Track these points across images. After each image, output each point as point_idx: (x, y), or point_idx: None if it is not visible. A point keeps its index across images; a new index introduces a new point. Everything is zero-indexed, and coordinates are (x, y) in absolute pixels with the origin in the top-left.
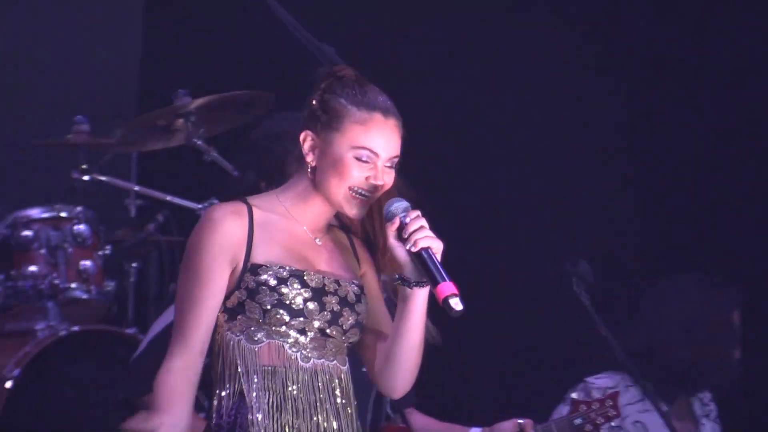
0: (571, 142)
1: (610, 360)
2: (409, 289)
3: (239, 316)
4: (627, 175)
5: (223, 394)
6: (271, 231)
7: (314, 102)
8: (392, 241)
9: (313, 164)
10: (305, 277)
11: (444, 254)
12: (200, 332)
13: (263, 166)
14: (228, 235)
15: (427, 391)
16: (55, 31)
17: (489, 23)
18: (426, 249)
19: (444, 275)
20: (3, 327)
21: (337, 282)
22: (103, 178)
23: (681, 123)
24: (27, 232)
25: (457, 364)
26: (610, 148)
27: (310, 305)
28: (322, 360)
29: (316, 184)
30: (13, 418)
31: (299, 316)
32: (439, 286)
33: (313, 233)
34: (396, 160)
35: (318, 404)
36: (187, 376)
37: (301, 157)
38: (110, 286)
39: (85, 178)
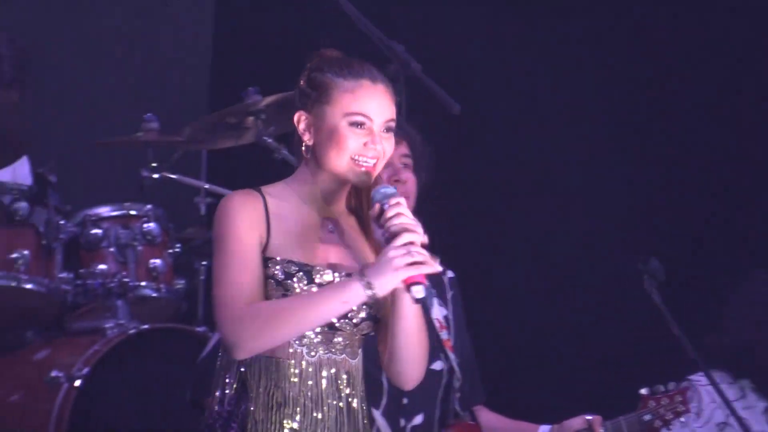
0: (640, 142)
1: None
2: None
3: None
4: (697, 171)
5: (226, 382)
6: (284, 221)
7: (302, 82)
8: (373, 226)
9: (311, 143)
10: (313, 274)
11: (519, 252)
12: (257, 280)
13: None
14: (253, 214)
15: (496, 389)
16: (125, 30)
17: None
18: (399, 236)
19: None
20: (72, 326)
21: (349, 275)
22: (172, 176)
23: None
24: (96, 231)
25: (527, 361)
26: (681, 146)
27: None
28: (328, 354)
29: (319, 161)
30: (82, 417)
31: None
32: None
33: (326, 219)
34: (392, 124)
35: (319, 399)
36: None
37: (300, 143)
38: (180, 284)
39: (155, 176)
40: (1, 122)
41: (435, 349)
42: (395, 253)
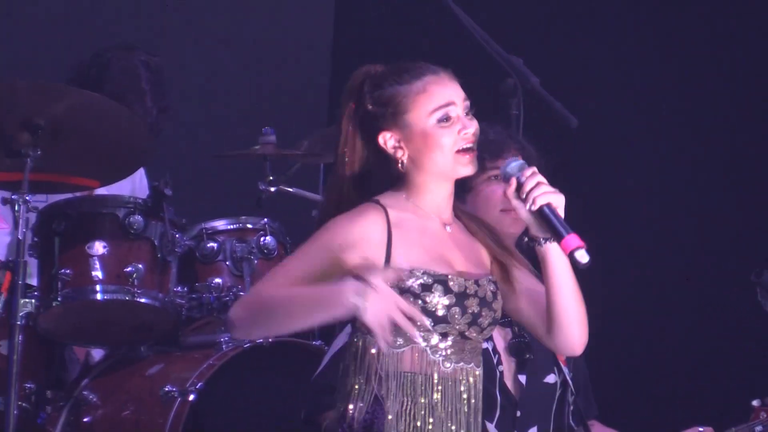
0: (757, 154)
1: None
2: (542, 248)
3: None
4: None
5: (359, 398)
6: (407, 231)
7: (369, 106)
8: (514, 201)
9: (405, 157)
10: (449, 283)
11: (631, 264)
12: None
13: None
14: (365, 234)
15: (609, 403)
16: (244, 42)
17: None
18: (547, 205)
19: (567, 228)
20: (187, 340)
21: (477, 282)
22: (290, 190)
23: None
24: (212, 244)
25: (638, 374)
26: None
27: (453, 311)
28: (462, 363)
29: (421, 169)
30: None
31: (442, 322)
32: (563, 240)
33: (444, 222)
34: (468, 103)
35: (455, 413)
36: None
37: (387, 166)
38: None
39: (272, 189)
40: (130, 138)
41: (548, 362)
42: None
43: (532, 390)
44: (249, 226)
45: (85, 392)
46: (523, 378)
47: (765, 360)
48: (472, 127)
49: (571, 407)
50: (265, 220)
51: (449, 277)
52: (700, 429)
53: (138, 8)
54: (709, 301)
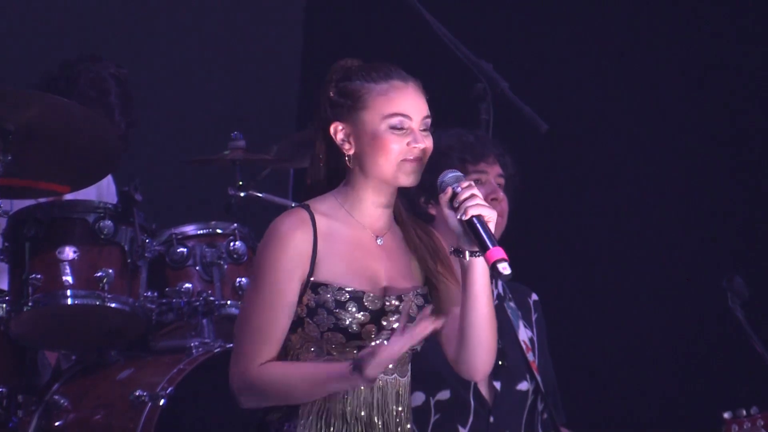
0: (727, 160)
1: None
2: (466, 260)
3: (298, 329)
4: None
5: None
6: (334, 242)
7: (331, 93)
8: (446, 211)
9: (351, 152)
10: (365, 301)
11: (602, 271)
12: (279, 333)
13: (424, 181)
14: (297, 250)
15: (577, 410)
16: (213, 48)
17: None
18: (477, 216)
19: (493, 241)
20: (157, 344)
21: (400, 298)
22: (259, 195)
23: None
24: (182, 249)
25: (608, 382)
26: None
27: (368, 328)
28: (384, 376)
29: (363, 169)
30: None
31: (356, 339)
32: (488, 252)
33: (376, 232)
34: (428, 121)
35: (369, 421)
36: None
37: (337, 159)
38: None
39: (242, 194)
40: (101, 143)
41: (521, 369)
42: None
43: (505, 396)
44: (219, 231)
45: (56, 397)
46: (497, 384)
47: (736, 369)
48: (423, 143)
49: (543, 415)
50: (235, 225)
51: (366, 294)
52: None
53: (107, 14)
54: (680, 308)
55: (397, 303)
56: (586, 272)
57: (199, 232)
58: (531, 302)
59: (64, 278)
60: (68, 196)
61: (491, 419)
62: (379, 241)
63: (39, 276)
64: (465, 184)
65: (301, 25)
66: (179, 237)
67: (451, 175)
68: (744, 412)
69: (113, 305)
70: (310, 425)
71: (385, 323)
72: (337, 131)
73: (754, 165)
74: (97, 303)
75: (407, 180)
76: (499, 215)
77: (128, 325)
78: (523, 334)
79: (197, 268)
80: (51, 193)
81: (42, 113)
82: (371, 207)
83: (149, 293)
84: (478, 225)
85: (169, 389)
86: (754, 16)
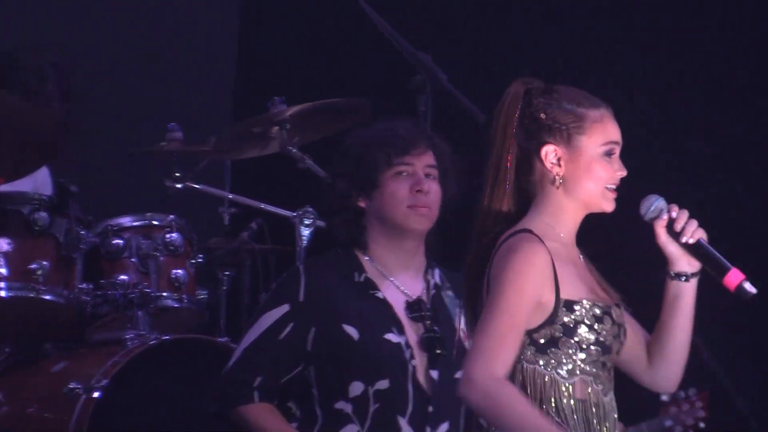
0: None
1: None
2: (683, 283)
3: (550, 350)
4: None
5: None
6: (563, 263)
7: (542, 116)
8: (664, 237)
9: (561, 175)
10: (613, 314)
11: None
12: (513, 351)
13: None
14: (541, 276)
15: None
16: (149, 39)
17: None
18: (702, 239)
19: (727, 262)
20: (92, 337)
21: (608, 308)
22: (196, 186)
23: None
24: (118, 241)
25: None
26: None
27: (614, 341)
28: (610, 392)
29: (569, 191)
30: (100, 429)
31: (608, 353)
32: (729, 274)
33: (580, 253)
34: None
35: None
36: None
37: (527, 174)
38: (202, 294)
39: (179, 186)
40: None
41: (459, 359)
42: None
43: (444, 386)
44: (155, 222)
45: None
46: (435, 373)
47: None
48: (624, 172)
49: None
50: (172, 216)
51: (612, 307)
52: None
53: (43, 4)
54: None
55: (619, 316)
56: None
57: (135, 224)
58: None
59: None
60: (2, 188)
61: (430, 409)
62: (581, 257)
63: None
64: (675, 208)
65: (238, 16)
66: (115, 228)
67: (657, 202)
68: (683, 394)
69: (48, 297)
70: None
71: (621, 336)
72: (548, 152)
73: (755, 165)
74: (32, 295)
75: (609, 207)
76: (426, 207)
77: (63, 317)
78: (461, 323)
79: (133, 259)
80: None
81: None
82: (574, 228)
83: (84, 285)
84: (709, 248)
85: (104, 381)
86: (747, 16)
